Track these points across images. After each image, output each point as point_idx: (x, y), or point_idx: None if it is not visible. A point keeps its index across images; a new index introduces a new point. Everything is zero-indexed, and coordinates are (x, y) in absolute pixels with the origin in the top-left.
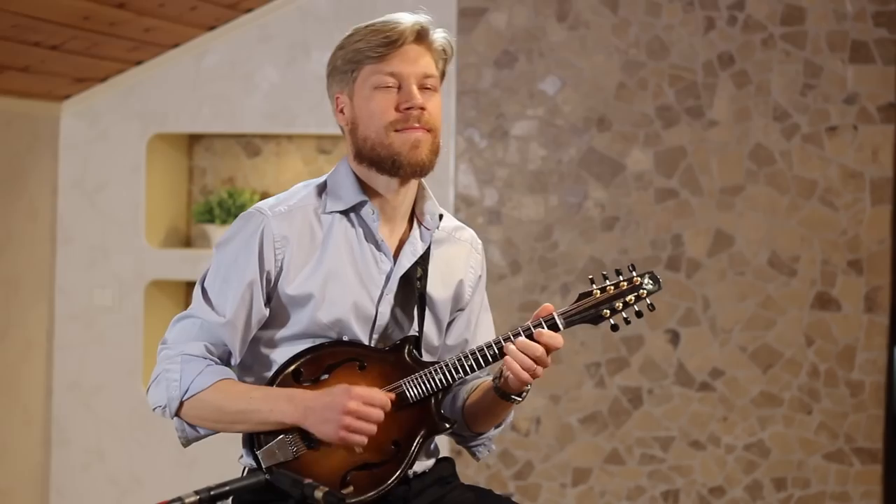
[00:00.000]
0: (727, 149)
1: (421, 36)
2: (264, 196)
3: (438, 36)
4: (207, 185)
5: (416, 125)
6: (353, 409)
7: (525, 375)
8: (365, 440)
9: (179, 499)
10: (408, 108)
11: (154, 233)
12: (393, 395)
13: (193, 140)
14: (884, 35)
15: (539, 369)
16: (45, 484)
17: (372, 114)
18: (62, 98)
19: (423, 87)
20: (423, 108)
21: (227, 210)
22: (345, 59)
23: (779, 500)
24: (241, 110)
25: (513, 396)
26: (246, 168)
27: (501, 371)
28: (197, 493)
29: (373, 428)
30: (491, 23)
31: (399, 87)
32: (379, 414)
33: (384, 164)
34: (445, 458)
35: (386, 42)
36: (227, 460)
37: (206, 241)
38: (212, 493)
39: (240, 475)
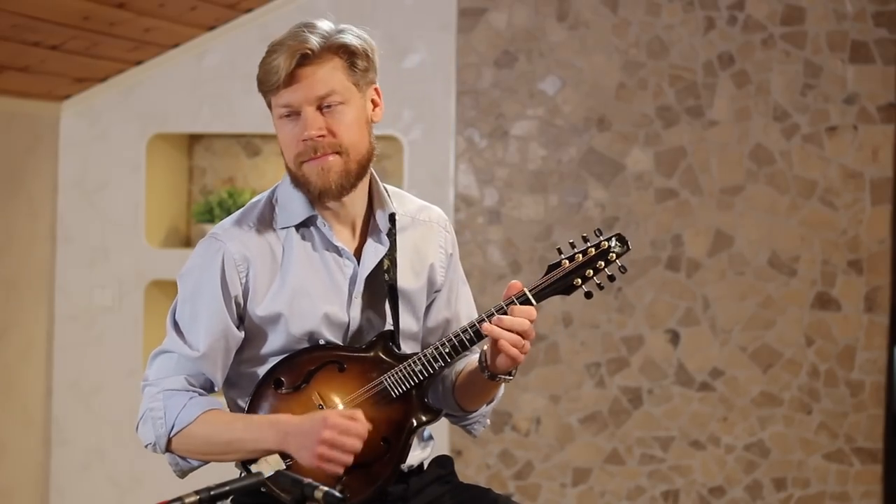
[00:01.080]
0: (727, 149)
1: (306, 57)
2: None
3: (338, 41)
4: (207, 185)
5: (317, 155)
6: (327, 438)
7: (516, 352)
8: (340, 470)
9: (179, 499)
10: (305, 140)
11: (154, 233)
12: (369, 426)
13: (193, 140)
14: (884, 35)
15: (527, 344)
16: (45, 484)
17: (283, 145)
18: (62, 98)
19: (323, 108)
20: (322, 136)
21: (227, 210)
22: (259, 88)
23: (779, 500)
24: (241, 110)
25: (501, 376)
26: (246, 168)
27: (486, 353)
28: (197, 493)
29: (348, 458)
30: (491, 23)
31: (295, 116)
32: (354, 444)
33: (304, 190)
34: (444, 457)
35: (270, 74)
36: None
37: None
38: (212, 493)
39: (239, 475)
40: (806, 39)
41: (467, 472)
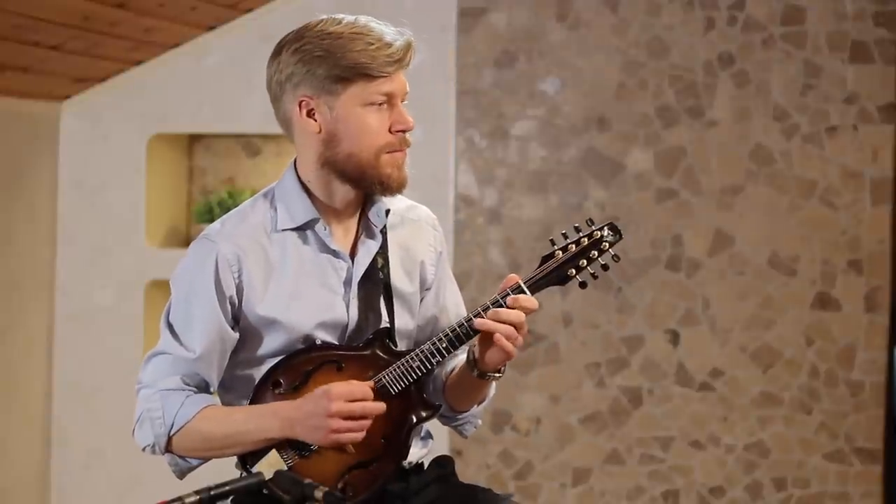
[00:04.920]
0: (727, 149)
1: (410, 56)
2: None
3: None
4: (207, 185)
5: (402, 148)
6: (336, 410)
7: (509, 345)
8: (357, 437)
9: (179, 499)
10: (400, 131)
11: (154, 233)
12: (371, 383)
13: (193, 140)
14: (884, 35)
15: (520, 338)
16: (45, 484)
17: (363, 133)
18: (62, 98)
19: (403, 104)
20: (410, 130)
21: (227, 210)
22: (332, 69)
23: (779, 500)
24: (241, 110)
25: (490, 374)
26: (246, 168)
27: (475, 352)
28: (197, 492)
29: (363, 423)
30: (491, 23)
31: (388, 106)
32: (363, 407)
33: (368, 182)
34: (445, 457)
35: (390, 62)
36: (226, 460)
37: None
38: (212, 493)
39: (239, 475)
40: (806, 39)
41: (467, 472)
